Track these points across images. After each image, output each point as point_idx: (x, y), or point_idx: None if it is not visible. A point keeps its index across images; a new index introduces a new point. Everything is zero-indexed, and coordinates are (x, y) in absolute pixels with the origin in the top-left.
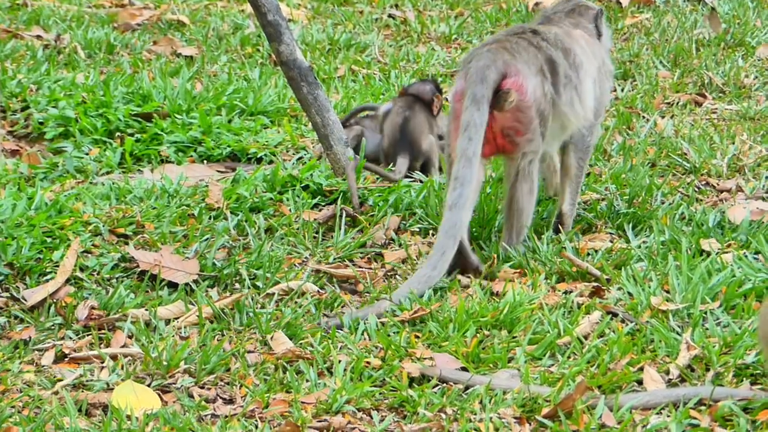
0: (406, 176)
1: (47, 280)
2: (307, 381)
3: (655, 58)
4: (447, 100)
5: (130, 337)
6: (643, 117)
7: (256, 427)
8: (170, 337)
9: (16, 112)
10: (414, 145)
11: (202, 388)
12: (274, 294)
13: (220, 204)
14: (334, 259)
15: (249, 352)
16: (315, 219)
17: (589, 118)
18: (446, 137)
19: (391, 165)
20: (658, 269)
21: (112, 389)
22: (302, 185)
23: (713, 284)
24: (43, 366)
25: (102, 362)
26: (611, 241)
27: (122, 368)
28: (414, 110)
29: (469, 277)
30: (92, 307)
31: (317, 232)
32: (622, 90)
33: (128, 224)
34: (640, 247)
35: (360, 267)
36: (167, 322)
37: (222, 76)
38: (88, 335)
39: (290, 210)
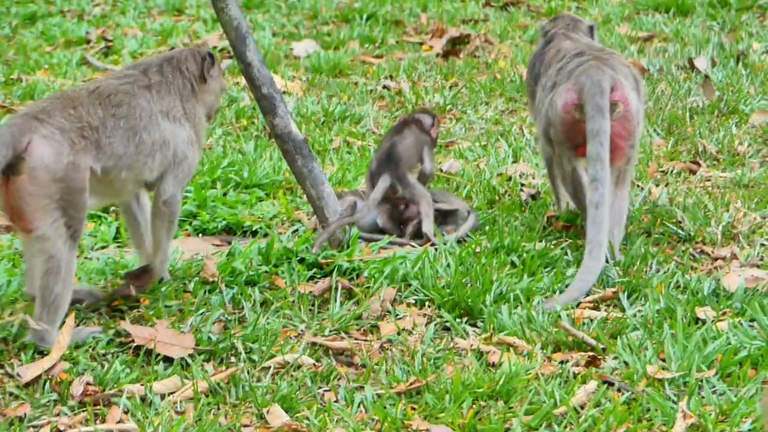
0: (396, 242)
1: (42, 356)
2: None
3: (650, 127)
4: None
5: (125, 413)
6: (638, 186)
7: None
8: (166, 412)
9: None
10: (398, 167)
11: None
12: (269, 367)
13: (216, 278)
14: (330, 331)
15: (245, 426)
16: (310, 291)
17: None
18: (556, 146)
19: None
20: (654, 338)
21: None
22: (298, 258)
23: (709, 352)
24: None
25: None
26: (606, 311)
27: None
28: (402, 135)
29: (465, 350)
30: (88, 383)
31: (313, 305)
32: None
33: (123, 299)
34: (635, 315)
35: (356, 339)
36: (163, 397)
37: (217, 149)
38: (83, 411)
39: (286, 283)
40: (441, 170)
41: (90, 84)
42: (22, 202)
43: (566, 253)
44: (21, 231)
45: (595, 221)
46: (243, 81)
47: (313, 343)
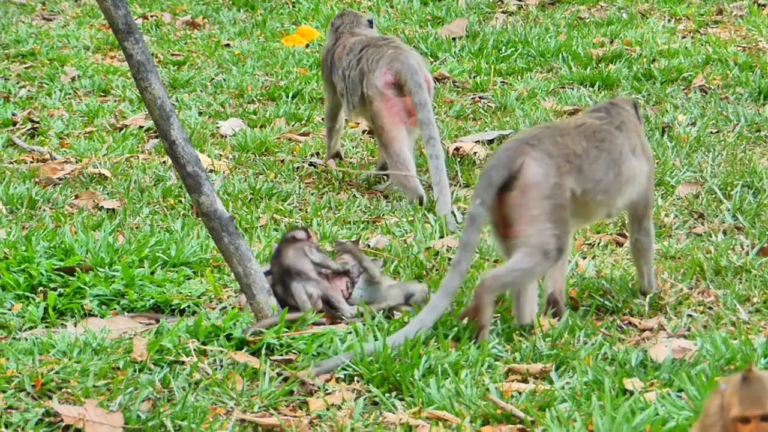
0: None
1: None
2: None
3: None
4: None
5: None
6: None
7: None
8: None
9: None
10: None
11: None
12: None
13: (144, 357)
14: (259, 408)
15: None
16: (238, 365)
17: None
18: (376, 117)
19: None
20: (582, 409)
21: None
22: (226, 335)
23: (637, 423)
24: None
25: None
26: (534, 383)
27: None
28: (288, 255)
29: (394, 424)
30: None
31: (242, 381)
32: None
33: (52, 380)
34: (563, 388)
35: (285, 415)
36: None
37: (144, 228)
38: None
39: (214, 360)
40: (368, 246)
41: (575, 119)
42: (514, 213)
43: (495, 324)
44: (506, 238)
45: (438, 168)
46: (169, 160)
47: (243, 420)
